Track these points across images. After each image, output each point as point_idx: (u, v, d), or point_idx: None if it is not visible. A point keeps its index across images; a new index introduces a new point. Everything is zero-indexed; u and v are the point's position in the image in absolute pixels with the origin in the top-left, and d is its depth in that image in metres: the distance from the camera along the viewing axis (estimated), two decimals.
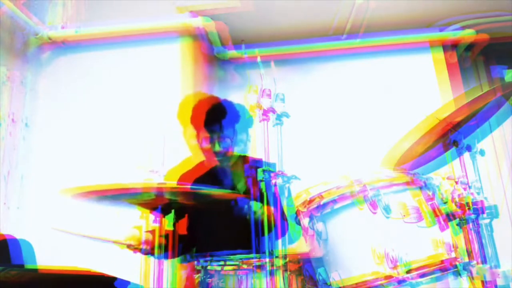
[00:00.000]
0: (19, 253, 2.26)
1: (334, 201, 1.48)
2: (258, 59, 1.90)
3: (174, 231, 1.80)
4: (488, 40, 3.41)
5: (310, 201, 1.54)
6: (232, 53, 3.62)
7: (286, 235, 1.64)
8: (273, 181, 1.56)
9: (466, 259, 1.44)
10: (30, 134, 3.12)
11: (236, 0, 3.23)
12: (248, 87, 1.67)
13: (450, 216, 1.48)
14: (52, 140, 3.09)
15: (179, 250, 1.86)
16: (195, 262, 1.63)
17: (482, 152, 1.68)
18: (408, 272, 1.36)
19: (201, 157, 2.11)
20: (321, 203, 1.50)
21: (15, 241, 2.29)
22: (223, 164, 2.09)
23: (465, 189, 1.53)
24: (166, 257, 1.78)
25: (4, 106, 2.94)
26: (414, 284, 1.35)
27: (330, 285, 1.49)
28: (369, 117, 3.31)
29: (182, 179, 2.05)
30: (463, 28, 3.45)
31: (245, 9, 3.25)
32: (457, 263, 1.39)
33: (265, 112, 1.62)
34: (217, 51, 3.62)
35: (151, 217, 1.76)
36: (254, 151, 2.05)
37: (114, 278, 1.61)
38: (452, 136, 1.65)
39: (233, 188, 2.03)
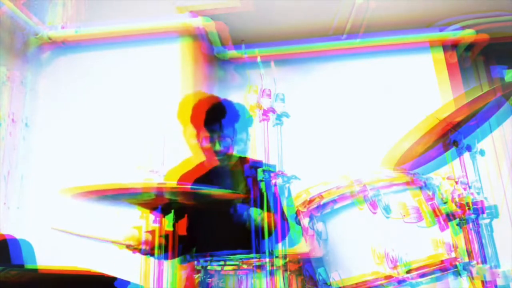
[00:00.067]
0: (19, 253, 2.26)
1: (334, 201, 1.48)
2: (258, 59, 1.90)
3: (174, 231, 1.80)
4: (488, 40, 3.41)
5: (310, 201, 1.54)
6: (232, 53, 3.62)
7: (287, 238, 1.64)
8: (273, 181, 1.56)
9: (466, 259, 1.44)
10: (30, 134, 3.12)
11: (236, 0, 3.23)
12: (248, 87, 1.67)
13: (450, 216, 1.48)
14: (52, 140, 3.09)
15: (179, 250, 1.86)
16: (195, 262, 1.63)
17: (482, 152, 1.68)
18: (408, 272, 1.35)
19: (202, 157, 2.11)
20: (321, 203, 1.50)
21: (15, 241, 2.29)
22: (223, 164, 2.09)
23: (465, 189, 1.53)
24: (166, 258, 1.78)
25: (4, 106, 2.94)
26: (414, 284, 1.35)
27: (330, 285, 1.49)
28: (369, 117, 3.31)
29: (182, 179, 2.05)
30: (463, 28, 3.45)
31: (245, 9, 3.25)
32: (457, 263, 1.39)
33: (265, 112, 1.62)
34: (217, 51, 3.62)
35: (151, 217, 1.76)
36: (254, 151, 2.05)
37: (114, 278, 1.61)
38: (452, 136, 1.65)
39: (233, 188, 2.02)
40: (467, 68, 3.62)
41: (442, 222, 1.45)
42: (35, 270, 1.78)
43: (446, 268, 1.38)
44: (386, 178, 1.50)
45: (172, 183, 1.78)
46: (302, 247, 1.63)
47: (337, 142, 3.26)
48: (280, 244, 1.56)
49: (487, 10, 3.32)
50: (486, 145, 1.73)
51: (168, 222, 1.75)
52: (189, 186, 1.56)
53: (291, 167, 1.61)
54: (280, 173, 1.57)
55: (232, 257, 1.59)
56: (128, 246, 1.80)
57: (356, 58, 3.56)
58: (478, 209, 1.47)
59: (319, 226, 1.51)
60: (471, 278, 1.40)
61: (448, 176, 1.58)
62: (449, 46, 3.54)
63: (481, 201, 1.48)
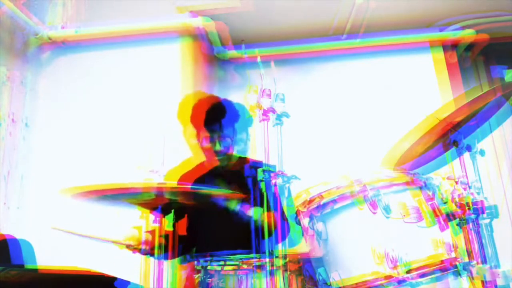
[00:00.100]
0: (19, 253, 2.26)
1: (334, 201, 1.48)
2: (258, 59, 1.90)
3: (174, 231, 1.80)
4: (488, 40, 3.41)
5: (310, 201, 1.54)
6: (232, 53, 3.62)
7: (287, 238, 1.64)
8: (273, 181, 1.55)
9: (466, 259, 1.44)
10: (30, 134, 3.12)
11: (236, 0, 3.23)
12: (248, 87, 1.67)
13: (450, 216, 1.48)
14: (52, 140, 3.09)
15: (179, 250, 1.86)
16: (195, 262, 1.62)
17: (482, 152, 1.68)
18: (408, 272, 1.35)
19: (202, 157, 2.11)
20: (321, 203, 1.50)
21: (15, 241, 2.29)
22: (223, 164, 2.09)
23: (465, 189, 1.53)
24: (166, 258, 1.78)
25: (4, 106, 2.94)
26: (414, 284, 1.35)
27: (330, 285, 1.49)
28: (369, 117, 3.31)
29: (183, 179, 2.05)
30: (463, 28, 3.45)
31: (245, 9, 3.25)
32: (457, 263, 1.39)
33: (265, 112, 1.62)
34: (217, 51, 3.62)
35: (151, 217, 1.76)
36: (254, 151, 2.05)
37: (114, 278, 1.61)
38: (452, 136, 1.65)
39: (233, 188, 2.02)
40: (467, 68, 3.62)
41: (442, 222, 1.45)
42: (35, 270, 1.78)
43: (446, 268, 1.38)
44: (386, 178, 1.50)
45: (172, 183, 1.78)
46: (302, 247, 1.63)
47: (336, 142, 3.26)
48: (280, 244, 1.56)
49: (487, 10, 3.32)
50: (486, 145, 1.72)
51: (168, 222, 1.75)
52: (189, 186, 1.56)
53: (291, 167, 1.61)
54: (280, 173, 1.57)
55: (232, 257, 1.58)
56: (128, 246, 1.79)
57: (356, 58, 3.56)
58: (478, 209, 1.47)
59: (319, 226, 1.51)
60: (471, 278, 1.40)
61: (448, 176, 1.58)
62: (449, 46, 3.54)
63: (481, 201, 1.48)
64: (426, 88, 3.41)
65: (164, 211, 1.70)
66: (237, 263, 1.56)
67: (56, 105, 3.17)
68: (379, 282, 1.37)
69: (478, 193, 1.55)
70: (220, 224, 1.94)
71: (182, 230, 1.95)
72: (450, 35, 3.49)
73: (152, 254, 1.73)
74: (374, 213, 1.43)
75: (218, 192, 1.54)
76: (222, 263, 1.57)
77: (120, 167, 2.75)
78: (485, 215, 1.47)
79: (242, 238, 1.62)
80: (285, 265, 1.53)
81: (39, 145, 3.10)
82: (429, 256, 1.38)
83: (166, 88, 3.04)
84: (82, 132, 3.06)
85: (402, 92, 3.39)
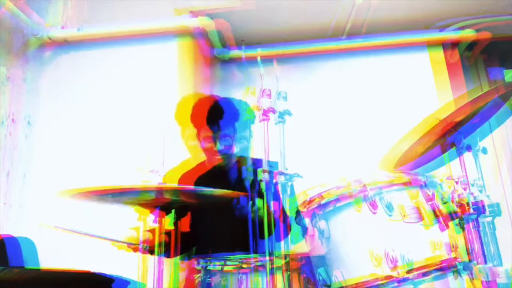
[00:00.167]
0: (18, 253, 2.26)
1: (336, 200, 1.48)
2: (258, 58, 1.89)
3: (176, 230, 1.79)
4: (490, 39, 3.40)
5: (310, 201, 1.54)
6: (232, 53, 3.62)
7: (289, 237, 1.64)
8: (275, 180, 1.55)
9: (466, 259, 1.44)
10: (32, 132, 3.12)
11: (236, 0, 3.23)
12: (246, 89, 1.67)
13: (450, 216, 1.47)
14: (53, 139, 3.09)
15: (181, 248, 1.85)
16: (195, 262, 1.62)
17: (484, 150, 1.67)
18: (408, 272, 1.35)
19: (201, 158, 2.11)
20: (321, 203, 1.50)
21: (14, 240, 2.28)
22: (224, 163, 2.09)
23: (465, 189, 1.52)
24: (168, 256, 1.77)
25: (4, 105, 2.94)
26: (416, 282, 1.35)
27: (330, 285, 1.49)
28: (369, 116, 3.31)
29: (183, 178, 2.06)
30: (463, 28, 3.45)
31: (246, 7, 3.24)
32: (457, 263, 1.39)
33: (265, 112, 1.62)
34: (217, 51, 3.62)
35: (151, 217, 1.75)
36: (256, 151, 2.05)
37: (114, 278, 1.61)
38: (450, 138, 1.65)
39: (234, 187, 2.02)
40: (467, 68, 3.61)
41: (442, 222, 1.45)
42: (35, 270, 1.78)
43: (446, 268, 1.38)
44: (386, 179, 1.50)
45: (173, 185, 1.78)
46: (302, 247, 1.63)
47: (336, 142, 3.26)
48: (280, 244, 1.56)
49: (487, 11, 3.32)
50: (486, 145, 1.72)
51: (169, 221, 1.75)
52: (191, 186, 1.56)
53: (293, 165, 1.61)
54: (281, 171, 1.56)
55: (232, 257, 1.58)
56: (129, 245, 1.79)
57: (358, 56, 3.56)
58: (479, 209, 1.47)
59: (322, 224, 1.50)
60: (471, 278, 1.40)
61: (447, 177, 1.57)
62: (450, 46, 3.54)
63: (481, 200, 1.48)
64: (425, 88, 3.41)
65: (165, 211, 1.70)
66: (237, 263, 1.55)
67: (57, 104, 3.17)
68: (379, 282, 1.37)
69: (481, 191, 1.54)
70: (220, 225, 1.94)
71: (185, 227, 1.95)
72: (450, 35, 3.49)
73: (152, 252, 1.73)
74: (374, 213, 1.43)
75: (219, 192, 1.54)
76: (222, 263, 1.57)
77: (120, 166, 2.75)
78: (487, 213, 1.47)
79: (242, 239, 1.62)
80: (285, 264, 1.53)
81: (41, 144, 3.10)
82: (429, 257, 1.38)
83: (166, 88, 3.04)
84: (83, 131, 3.06)
85: (402, 92, 3.39)
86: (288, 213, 1.65)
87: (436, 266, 1.38)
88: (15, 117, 3.03)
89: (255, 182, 1.57)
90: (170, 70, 3.12)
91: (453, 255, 1.40)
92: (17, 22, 3.07)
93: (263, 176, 1.52)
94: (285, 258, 1.54)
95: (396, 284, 1.36)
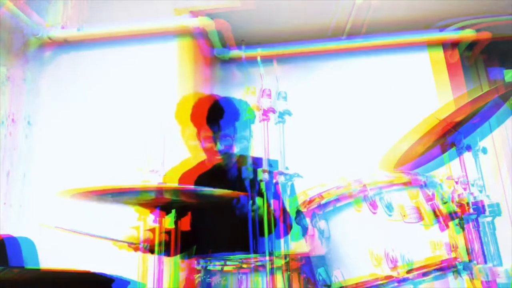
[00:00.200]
0: (18, 253, 2.26)
1: (336, 200, 1.48)
2: (258, 58, 1.89)
3: (176, 229, 1.79)
4: (490, 39, 3.40)
5: (310, 201, 1.54)
6: (232, 53, 3.62)
7: (289, 237, 1.64)
8: (275, 180, 1.55)
9: (466, 259, 1.44)
10: (32, 132, 3.12)
11: (236, 0, 3.23)
12: (246, 89, 1.67)
13: (450, 216, 1.47)
14: (53, 139, 3.09)
15: (181, 247, 1.84)
16: (195, 262, 1.62)
17: (484, 150, 1.67)
18: (408, 272, 1.35)
19: (201, 157, 2.11)
20: (321, 202, 1.50)
21: (14, 240, 2.28)
22: (225, 163, 2.09)
23: (465, 189, 1.52)
24: (168, 255, 1.77)
25: (4, 105, 2.94)
26: (416, 282, 1.35)
27: (330, 285, 1.49)
28: (369, 117, 3.31)
29: (183, 178, 2.05)
30: (463, 28, 3.45)
31: (246, 7, 3.24)
32: (457, 263, 1.39)
33: (265, 112, 1.62)
34: (217, 51, 3.62)
35: (151, 217, 1.75)
36: (256, 150, 2.05)
37: (114, 278, 1.61)
38: (450, 138, 1.65)
39: (234, 187, 2.02)
40: (467, 68, 3.61)
41: (442, 222, 1.45)
42: (35, 270, 1.78)
43: (446, 268, 1.38)
44: (386, 179, 1.50)
45: (173, 185, 1.78)
46: (302, 247, 1.63)
47: (336, 142, 3.26)
48: (280, 244, 1.56)
49: (487, 11, 3.32)
50: (486, 145, 1.72)
51: (170, 221, 1.75)
52: (191, 186, 1.56)
53: (293, 165, 1.61)
54: (281, 172, 1.56)
55: (232, 257, 1.58)
56: (130, 245, 1.79)
57: (357, 56, 3.56)
58: (479, 209, 1.47)
59: (322, 224, 1.50)
60: (471, 278, 1.40)
61: (447, 177, 1.57)
62: (450, 46, 3.54)
63: (481, 200, 1.48)
64: (425, 88, 3.41)
65: (165, 211, 1.70)
66: (237, 262, 1.55)
67: (57, 104, 3.18)
68: (379, 282, 1.37)
69: (481, 191, 1.54)
70: (220, 224, 1.94)
71: (186, 226, 1.94)
72: (450, 35, 3.49)
73: (153, 252, 1.73)
74: (374, 213, 1.43)
75: (219, 191, 1.54)
76: (222, 263, 1.57)
77: (120, 166, 2.75)
78: (487, 213, 1.47)
79: (242, 239, 1.62)
80: (285, 264, 1.53)
81: (41, 144, 3.10)
82: (429, 257, 1.38)
83: (166, 88, 3.04)
84: (83, 131, 3.06)
85: (402, 92, 3.39)
86: (288, 212, 1.65)
87: (436, 266, 1.38)
88: (15, 117, 3.03)
89: (255, 182, 1.57)
90: (170, 70, 3.12)
91: (453, 255, 1.40)
92: (17, 22, 3.07)
93: (263, 176, 1.52)
94: (285, 258, 1.54)
95: (396, 284, 1.36)
